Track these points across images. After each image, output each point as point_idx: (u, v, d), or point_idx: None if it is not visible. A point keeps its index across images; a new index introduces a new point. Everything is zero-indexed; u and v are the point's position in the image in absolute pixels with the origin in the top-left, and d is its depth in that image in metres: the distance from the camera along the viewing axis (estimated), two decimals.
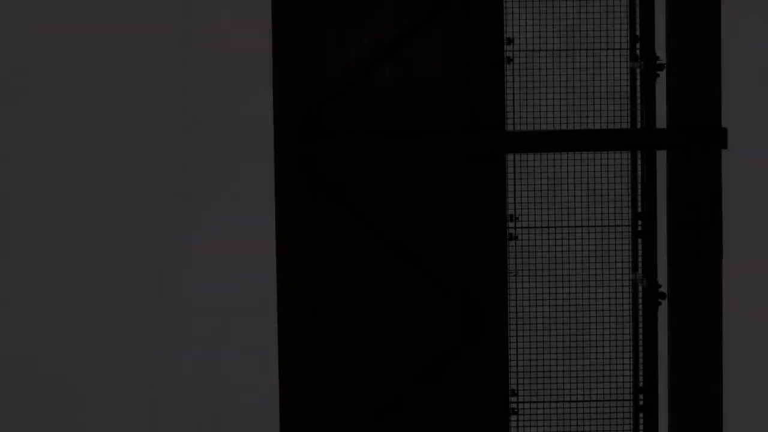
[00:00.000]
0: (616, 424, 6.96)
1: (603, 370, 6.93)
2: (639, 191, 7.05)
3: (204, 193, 15.96)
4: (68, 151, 16.35)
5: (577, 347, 6.93)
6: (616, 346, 6.95)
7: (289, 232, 6.91)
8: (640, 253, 6.99)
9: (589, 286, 6.94)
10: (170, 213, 16.05)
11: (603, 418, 6.94)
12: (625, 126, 7.03)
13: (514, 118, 6.97)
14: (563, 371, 6.92)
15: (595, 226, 6.96)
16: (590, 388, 6.93)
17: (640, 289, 7.01)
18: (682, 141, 6.85)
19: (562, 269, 6.96)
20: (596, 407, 6.94)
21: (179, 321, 15.99)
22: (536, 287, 6.94)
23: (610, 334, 6.94)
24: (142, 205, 16.09)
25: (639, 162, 7.09)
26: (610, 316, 6.94)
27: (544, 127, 6.97)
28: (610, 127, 7.00)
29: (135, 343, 16.05)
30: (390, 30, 6.88)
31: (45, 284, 16.34)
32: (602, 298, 6.95)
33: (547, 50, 6.97)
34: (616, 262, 6.97)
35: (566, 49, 6.98)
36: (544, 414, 6.92)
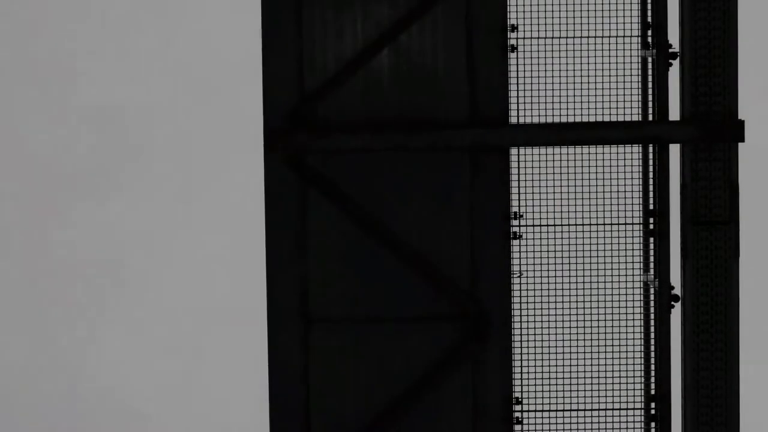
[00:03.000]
0: None
1: (613, 378, 6.82)
2: (651, 187, 6.94)
3: (196, 191, 15.94)
4: (55, 146, 16.31)
5: (585, 353, 6.81)
6: (627, 352, 6.84)
7: (280, 231, 6.81)
8: (651, 253, 6.87)
9: (598, 289, 6.83)
10: (162, 211, 16.01)
11: (613, 428, 6.83)
12: (636, 118, 6.91)
13: (518, 110, 6.85)
14: (570, 378, 6.81)
15: (605, 224, 6.84)
16: (599, 397, 6.82)
17: (652, 291, 6.90)
18: (696, 134, 6.74)
19: (569, 270, 6.84)
20: (605, 416, 6.83)
21: (172, 321, 15.94)
22: (542, 289, 6.82)
23: (620, 339, 6.83)
24: (132, 203, 16.06)
25: (651, 156, 6.97)
26: (620, 319, 6.82)
27: (549, 120, 6.86)
28: (620, 119, 6.88)
29: (123, 343, 16.02)
30: (387, 18, 6.78)
31: (35, 284, 16.33)
32: (612, 301, 6.83)
33: (553, 38, 6.84)
34: (626, 262, 6.86)
35: (574, 37, 6.84)
36: (550, 423, 6.81)
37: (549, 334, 6.82)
